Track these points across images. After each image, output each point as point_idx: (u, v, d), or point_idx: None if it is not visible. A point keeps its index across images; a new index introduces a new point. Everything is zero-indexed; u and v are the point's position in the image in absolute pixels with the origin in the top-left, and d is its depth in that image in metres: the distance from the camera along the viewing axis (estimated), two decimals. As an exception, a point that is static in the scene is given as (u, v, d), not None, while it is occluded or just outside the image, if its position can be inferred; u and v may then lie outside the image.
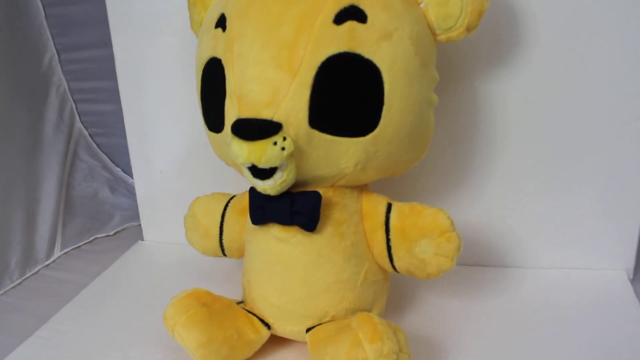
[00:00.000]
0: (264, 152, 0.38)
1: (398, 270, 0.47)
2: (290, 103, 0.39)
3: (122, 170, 0.87)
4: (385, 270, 0.49)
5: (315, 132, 0.40)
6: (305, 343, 0.47)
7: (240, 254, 0.55)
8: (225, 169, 0.66)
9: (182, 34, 0.62)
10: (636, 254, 0.58)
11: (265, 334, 0.48)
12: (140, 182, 0.72)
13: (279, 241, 0.46)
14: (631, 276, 0.59)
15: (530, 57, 0.54)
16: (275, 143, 0.39)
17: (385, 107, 0.40)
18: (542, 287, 0.58)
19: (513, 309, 0.54)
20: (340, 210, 0.46)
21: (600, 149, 0.56)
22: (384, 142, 0.42)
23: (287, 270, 0.46)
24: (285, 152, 0.39)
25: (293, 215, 0.44)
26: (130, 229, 0.80)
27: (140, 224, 0.77)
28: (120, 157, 0.86)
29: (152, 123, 0.69)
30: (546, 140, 0.57)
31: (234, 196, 0.55)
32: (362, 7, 0.40)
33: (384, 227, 0.46)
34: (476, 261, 0.62)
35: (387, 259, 0.47)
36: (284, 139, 0.39)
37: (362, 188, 0.48)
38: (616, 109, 0.54)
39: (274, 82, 0.39)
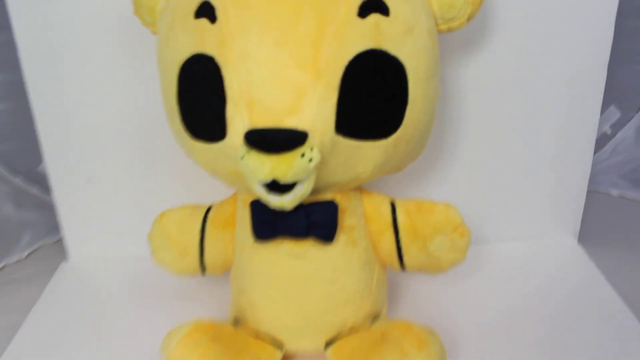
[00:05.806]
0: (290, 166, 0.34)
1: (407, 268, 0.46)
2: (317, 108, 0.35)
3: (24, 179, 0.72)
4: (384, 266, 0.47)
5: (340, 138, 0.37)
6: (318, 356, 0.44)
7: (223, 270, 0.49)
8: (163, 175, 0.60)
9: (107, 13, 0.53)
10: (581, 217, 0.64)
11: (278, 356, 0.43)
12: (61, 191, 0.60)
13: (292, 257, 0.42)
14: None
15: (489, 44, 0.55)
16: (302, 155, 0.34)
17: (408, 107, 0.38)
18: (505, 261, 0.61)
19: (485, 287, 0.56)
20: (350, 216, 0.43)
21: (548, 124, 0.59)
22: (404, 142, 0.39)
23: (303, 288, 0.42)
24: (312, 164, 0.35)
25: (310, 227, 0.40)
26: (45, 249, 0.68)
27: (57, 241, 0.66)
28: (19, 163, 0.71)
29: (73, 122, 0.58)
30: (499, 119, 0.59)
31: (210, 208, 0.48)
32: None
33: (392, 228, 0.44)
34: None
35: (396, 259, 0.45)
36: (311, 149, 0.35)
37: (360, 188, 0.45)
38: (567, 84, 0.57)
39: (297, 84, 0.34)
